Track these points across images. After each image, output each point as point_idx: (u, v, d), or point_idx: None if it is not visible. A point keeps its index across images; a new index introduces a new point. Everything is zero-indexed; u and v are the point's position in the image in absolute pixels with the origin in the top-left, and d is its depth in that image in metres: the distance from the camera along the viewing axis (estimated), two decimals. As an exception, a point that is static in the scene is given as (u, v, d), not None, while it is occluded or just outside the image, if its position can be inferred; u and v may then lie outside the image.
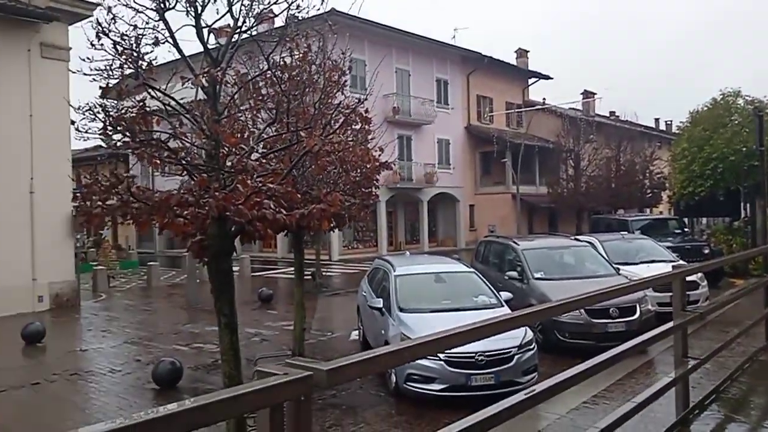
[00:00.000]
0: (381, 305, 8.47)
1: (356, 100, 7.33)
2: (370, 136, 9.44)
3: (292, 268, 24.54)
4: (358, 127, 8.89)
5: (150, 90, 4.49)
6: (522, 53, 41.55)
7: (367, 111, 8.63)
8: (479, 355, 7.01)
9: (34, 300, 14.35)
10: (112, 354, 10.24)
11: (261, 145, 5.55)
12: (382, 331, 8.32)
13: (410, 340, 2.31)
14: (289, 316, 13.08)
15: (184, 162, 4.41)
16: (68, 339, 11.85)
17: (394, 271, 9.16)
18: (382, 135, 9.52)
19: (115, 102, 4.49)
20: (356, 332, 11.03)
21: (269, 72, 5.26)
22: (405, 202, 32.63)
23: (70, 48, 15.38)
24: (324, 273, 20.45)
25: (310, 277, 16.88)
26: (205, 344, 10.72)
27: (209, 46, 4.74)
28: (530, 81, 41.76)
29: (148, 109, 4.68)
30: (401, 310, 8.13)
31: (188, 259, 16.56)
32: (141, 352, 10.28)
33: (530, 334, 7.62)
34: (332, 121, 6.20)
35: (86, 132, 4.51)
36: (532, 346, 7.51)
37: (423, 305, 8.23)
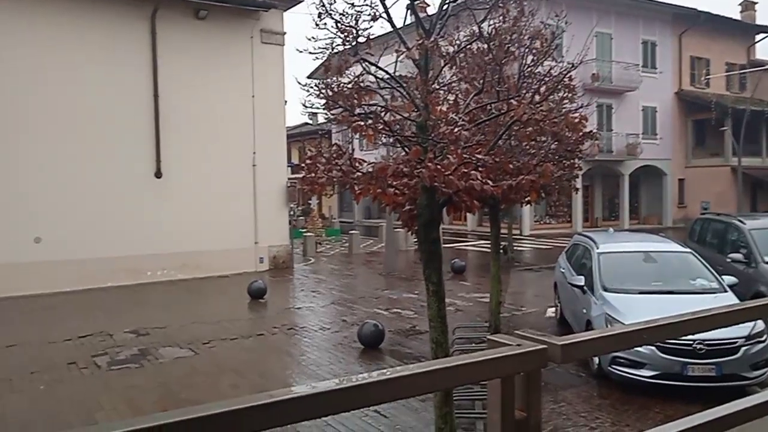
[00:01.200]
0: (582, 283, 8.11)
1: (566, 66, 6.97)
2: (572, 105, 8.98)
3: (483, 241, 24.43)
4: (561, 95, 8.50)
5: (366, 65, 4.70)
6: (748, 5, 36.17)
7: (571, 78, 8.21)
8: (698, 343, 6.38)
9: (256, 261, 16.21)
10: (322, 313, 11.19)
11: (466, 117, 5.53)
12: (584, 310, 7.96)
13: (645, 322, 2.11)
14: (482, 288, 13.13)
15: (397, 133, 4.57)
16: (284, 297, 13.20)
17: (597, 248, 8.69)
18: (582, 104, 8.99)
19: (335, 78, 4.78)
20: (552, 309, 10.71)
21: (477, 41, 5.21)
22: (603, 176, 30.66)
23: (285, 33, 16.79)
24: (515, 248, 20.12)
25: (501, 251, 16.73)
26: (403, 310, 11.21)
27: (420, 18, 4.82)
28: (757, 37, 36.25)
29: (362, 84, 4.92)
30: (605, 289, 7.71)
31: (386, 229, 17.39)
32: (346, 313, 11.08)
33: (761, 325, 6.73)
34: (540, 89, 5.98)
35: (311, 107, 4.88)
36: (763, 338, 6.64)
37: (630, 286, 7.71)
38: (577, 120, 7.64)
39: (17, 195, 13.00)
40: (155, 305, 11.94)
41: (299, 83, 5.15)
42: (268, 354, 8.71)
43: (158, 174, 14.81)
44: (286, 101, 17.09)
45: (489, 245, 9.97)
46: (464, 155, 4.56)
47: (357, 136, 5.03)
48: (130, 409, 6.35)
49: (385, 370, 1.54)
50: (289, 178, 18.00)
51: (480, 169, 4.73)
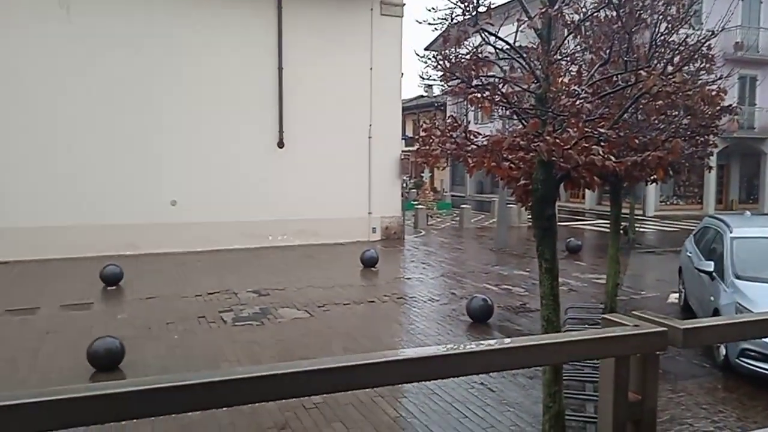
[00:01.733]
0: (711, 269, 7.56)
1: (704, 34, 6.43)
2: (710, 77, 8.27)
3: (601, 221, 23.32)
4: (697, 66, 7.87)
5: (485, 35, 4.62)
6: None
7: (709, 47, 7.56)
8: None
9: (368, 231, 16.64)
10: (431, 284, 11.32)
11: (589, 89, 5.29)
12: (711, 298, 7.44)
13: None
14: (598, 269, 12.62)
15: (514, 106, 4.47)
16: (395, 267, 13.48)
17: (731, 232, 8.03)
18: (721, 75, 8.24)
19: (453, 49, 4.75)
20: (675, 295, 10.09)
21: (605, 9, 4.93)
22: (742, 155, 28.05)
23: (404, 4, 16.78)
24: (637, 229, 19.04)
25: (622, 231, 15.91)
26: (514, 287, 11.06)
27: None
28: None
29: (480, 55, 4.85)
30: (737, 277, 7.15)
31: (498, 204, 17.13)
32: (455, 286, 11.12)
33: None
34: (674, 60, 5.57)
35: (427, 79, 4.90)
36: None
37: (766, 274, 7.09)
38: (714, 93, 7.05)
39: (158, 162, 14.19)
40: (275, 268, 12.65)
41: (417, 55, 5.19)
42: (378, 321, 8.97)
43: (281, 144, 15.52)
44: (402, 73, 17.18)
45: (608, 225, 9.53)
46: (586, 129, 4.38)
47: (473, 108, 4.98)
48: (251, 361, 6.84)
49: (494, 340, 1.55)
50: (402, 151, 18.17)
51: (602, 143, 4.53)
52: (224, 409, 3.88)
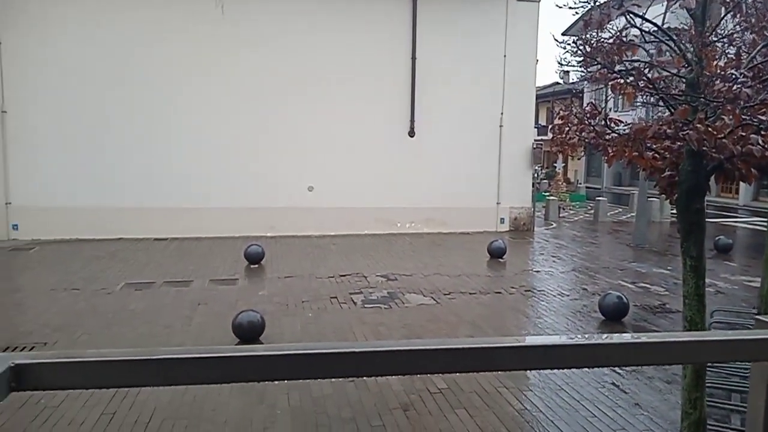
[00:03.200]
0: None
1: None
2: None
3: (757, 218, 21.15)
4: None
5: (630, 17, 4.38)
6: None
7: None
8: None
9: (496, 221, 16.43)
10: (561, 279, 10.97)
11: (749, 72, 4.83)
12: None
13: None
14: (751, 270, 11.50)
15: (661, 92, 4.21)
16: (523, 259, 13.21)
17: None
18: None
19: (595, 33, 4.56)
20: None
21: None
22: None
23: (541, -12, 16.25)
24: (802, 228, 17.05)
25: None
26: (652, 285, 10.41)
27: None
28: None
29: (624, 38, 4.60)
30: None
31: (638, 197, 16.13)
32: (587, 281, 10.69)
33: None
34: None
35: (566, 64, 4.75)
36: None
37: None
38: None
39: (297, 151, 15.01)
40: (403, 254, 12.92)
41: (555, 40, 5.02)
42: (505, 312, 8.88)
43: (411, 133, 15.75)
44: (537, 60, 16.67)
45: (765, 223, 8.65)
46: (743, 116, 4.02)
47: (614, 95, 4.75)
48: (379, 343, 7.08)
49: (628, 334, 1.50)
50: (534, 140, 17.66)
51: (762, 132, 4.13)
52: (353, 385, 4.12)
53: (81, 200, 13.57)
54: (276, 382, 5.48)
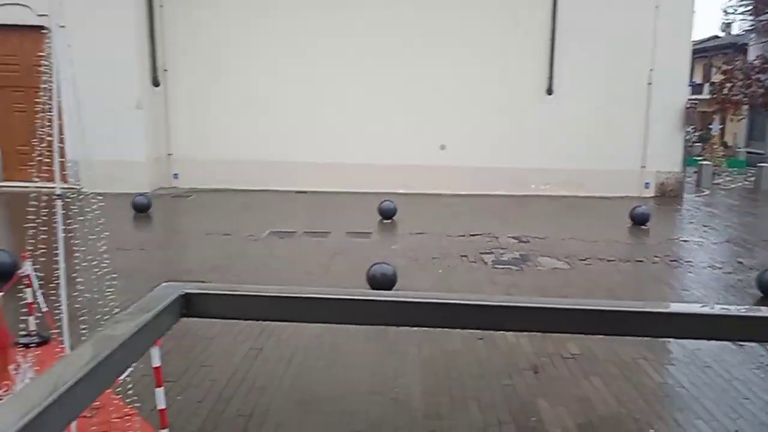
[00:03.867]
0: None
1: None
2: None
3: None
4: None
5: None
6: None
7: None
8: None
9: (640, 186, 15.38)
10: (713, 250, 10.11)
11: None
12: None
13: None
14: None
15: None
16: (669, 227, 12.31)
17: None
18: None
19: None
20: None
21: None
22: None
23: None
24: None
25: None
26: (823, 263, 9.27)
27: None
28: None
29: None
30: None
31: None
32: (744, 254, 9.75)
33: None
34: None
35: (733, 13, 4.23)
36: None
37: None
38: None
39: (430, 109, 14.96)
40: (537, 216, 12.57)
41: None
42: (646, 281, 8.39)
43: (549, 90, 15.05)
44: (694, 11, 15.06)
45: None
46: None
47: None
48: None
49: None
50: (688, 99, 16.14)
51: None
52: (482, 343, 4.11)
53: (233, 153, 14.63)
54: (408, 334, 5.65)
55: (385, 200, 12.02)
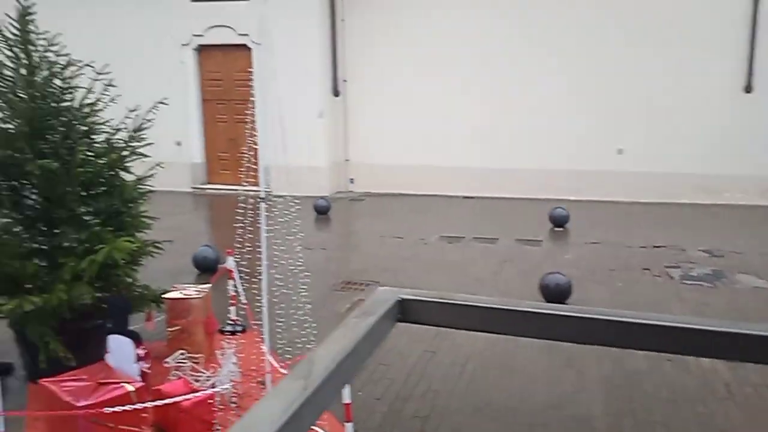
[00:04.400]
0: None
1: None
2: None
3: None
4: None
5: None
6: None
7: None
8: None
9: None
10: None
11: None
12: None
13: None
14: None
15: None
16: None
17: None
18: None
19: None
20: None
21: None
22: None
23: None
24: None
25: None
26: None
27: None
28: None
29: None
30: None
31: None
32: None
33: None
34: None
35: None
36: None
37: None
38: None
39: (605, 109, 14.14)
40: (731, 228, 11.31)
41: None
42: None
43: (748, 88, 13.46)
44: None
45: None
46: None
47: None
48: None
49: None
50: None
51: None
52: (671, 365, 3.81)
53: (404, 159, 15.08)
54: (583, 347, 5.41)
55: (556, 207, 11.61)
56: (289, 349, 5.17)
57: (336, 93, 15.29)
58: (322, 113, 14.72)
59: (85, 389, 3.78)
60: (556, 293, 7.15)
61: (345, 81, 15.48)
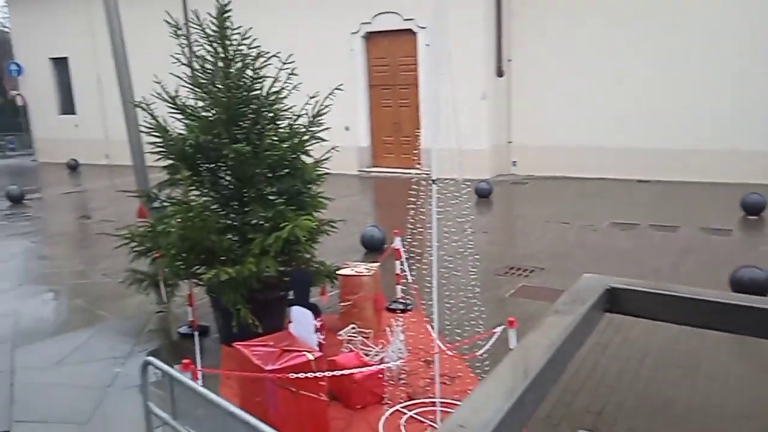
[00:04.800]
0: None
1: None
2: None
3: None
4: None
5: None
6: None
7: None
8: None
9: None
10: None
11: None
12: None
13: None
14: None
15: None
16: None
17: None
18: None
19: None
20: None
21: None
22: None
23: None
24: None
25: None
26: None
27: None
28: None
29: None
30: None
31: None
32: None
33: None
34: None
35: None
36: None
37: None
38: None
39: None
40: None
41: None
42: None
43: None
44: None
45: None
46: None
47: None
48: None
49: None
50: None
51: None
52: None
53: (570, 140, 14.39)
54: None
55: (751, 193, 10.33)
56: (458, 331, 5.19)
57: (500, 73, 14.95)
58: (485, 95, 14.48)
59: (271, 355, 4.11)
60: (751, 289, 6.38)
61: (510, 60, 15.08)
